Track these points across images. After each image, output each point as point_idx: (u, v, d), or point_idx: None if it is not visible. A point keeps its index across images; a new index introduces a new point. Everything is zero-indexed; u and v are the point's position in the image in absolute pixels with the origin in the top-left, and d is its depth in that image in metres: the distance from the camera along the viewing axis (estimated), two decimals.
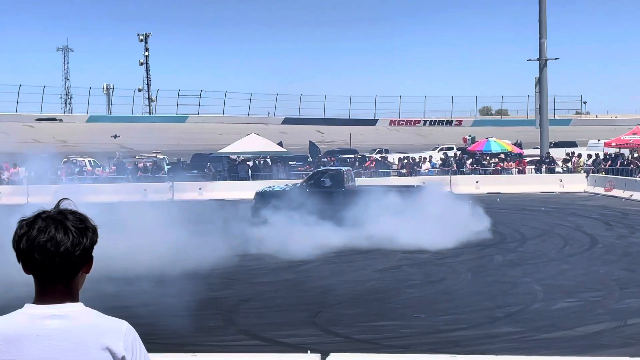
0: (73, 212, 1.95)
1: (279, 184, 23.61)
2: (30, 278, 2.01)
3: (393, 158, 39.34)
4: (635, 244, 14.92)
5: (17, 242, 1.92)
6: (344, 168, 25.34)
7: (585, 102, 60.07)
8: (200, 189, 32.78)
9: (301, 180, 24.26)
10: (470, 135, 46.61)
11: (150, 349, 2.09)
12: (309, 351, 3.36)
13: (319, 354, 3.27)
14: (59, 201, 2.00)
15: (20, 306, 1.95)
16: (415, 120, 55.60)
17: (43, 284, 1.91)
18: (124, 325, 1.93)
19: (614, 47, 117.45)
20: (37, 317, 1.87)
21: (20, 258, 1.92)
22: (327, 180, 22.19)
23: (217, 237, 15.70)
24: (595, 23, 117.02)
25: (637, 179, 26.38)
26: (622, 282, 10.96)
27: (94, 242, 1.97)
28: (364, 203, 17.85)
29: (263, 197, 21.02)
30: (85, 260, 1.94)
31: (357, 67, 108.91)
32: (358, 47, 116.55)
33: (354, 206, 17.94)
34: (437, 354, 6.67)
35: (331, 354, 3.24)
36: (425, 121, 55.45)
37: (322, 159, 38.09)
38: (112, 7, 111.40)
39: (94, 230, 1.97)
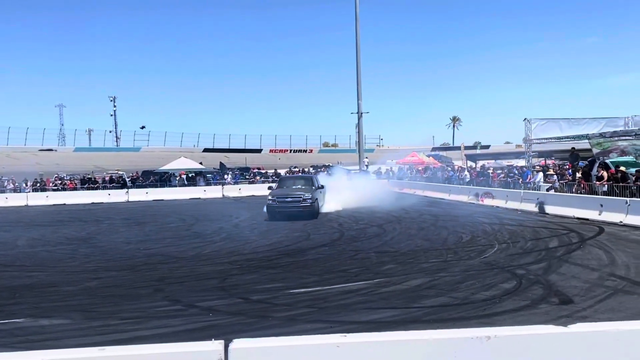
0: None
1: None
2: None
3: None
4: None
5: None
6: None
7: (382, 139, 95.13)
8: (147, 192, 41.26)
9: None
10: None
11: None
12: (213, 339, 3.11)
13: (223, 341, 3.04)
14: None
15: None
16: (285, 149, 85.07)
17: None
18: None
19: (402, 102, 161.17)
20: None
21: None
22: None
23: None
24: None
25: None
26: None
27: None
28: None
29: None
30: None
31: (248, 110, 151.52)
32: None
33: None
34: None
35: (234, 340, 3.05)
36: (291, 150, 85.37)
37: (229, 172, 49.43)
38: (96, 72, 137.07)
39: None
